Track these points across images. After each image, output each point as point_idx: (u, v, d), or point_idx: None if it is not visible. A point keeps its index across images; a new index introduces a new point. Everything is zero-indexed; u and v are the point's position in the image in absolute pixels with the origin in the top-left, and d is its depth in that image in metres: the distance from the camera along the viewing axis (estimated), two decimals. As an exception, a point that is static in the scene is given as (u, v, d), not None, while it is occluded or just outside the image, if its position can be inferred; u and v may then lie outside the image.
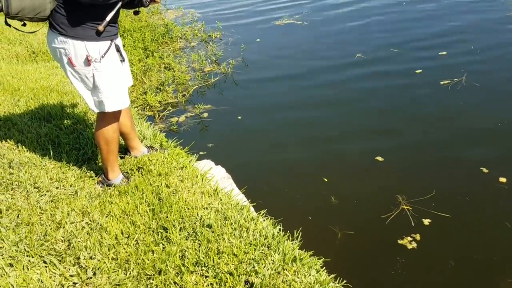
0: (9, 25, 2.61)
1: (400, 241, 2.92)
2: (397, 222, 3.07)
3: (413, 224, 3.05)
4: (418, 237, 2.94)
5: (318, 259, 2.39)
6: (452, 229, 3.00)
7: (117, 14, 2.59)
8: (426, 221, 3.07)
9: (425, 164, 3.73)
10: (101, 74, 2.60)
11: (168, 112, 5.15)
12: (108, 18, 2.50)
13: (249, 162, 4.03)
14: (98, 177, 3.03)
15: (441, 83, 4.95)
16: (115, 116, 2.78)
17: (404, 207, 3.20)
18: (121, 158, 3.23)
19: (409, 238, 2.93)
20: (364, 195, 3.40)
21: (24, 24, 2.62)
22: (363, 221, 3.17)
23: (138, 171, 3.08)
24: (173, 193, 2.81)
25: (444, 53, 5.72)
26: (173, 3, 9.48)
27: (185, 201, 2.71)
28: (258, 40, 7.12)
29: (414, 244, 2.90)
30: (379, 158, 3.79)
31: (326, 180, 3.62)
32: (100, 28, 2.49)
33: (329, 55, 6.23)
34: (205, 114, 4.99)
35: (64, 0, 2.45)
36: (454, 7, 7.51)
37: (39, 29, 2.81)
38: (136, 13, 2.88)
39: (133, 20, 8.05)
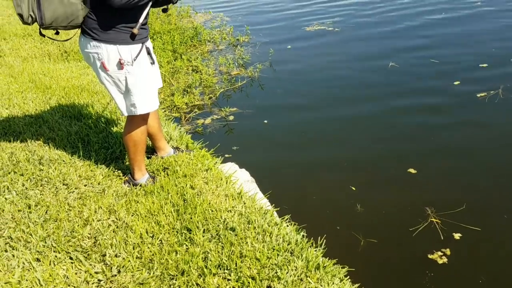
0: (44, 35, 2.68)
1: (430, 256, 2.84)
2: (425, 235, 2.99)
3: (442, 238, 2.97)
4: (448, 251, 2.86)
5: (342, 267, 2.35)
6: (484, 244, 2.91)
7: (147, 16, 2.63)
8: (457, 235, 2.99)
9: (456, 176, 3.63)
10: (133, 77, 2.64)
11: (194, 114, 5.19)
12: (141, 19, 2.54)
13: (274, 166, 4.01)
14: (125, 177, 3.07)
15: (478, 95, 4.83)
16: (143, 118, 2.82)
17: (433, 219, 3.12)
18: (148, 158, 3.27)
19: (439, 253, 2.85)
20: (392, 206, 3.33)
21: (57, 33, 2.70)
22: (390, 232, 3.11)
23: (164, 171, 3.11)
24: (198, 194, 2.82)
25: (485, 65, 5.56)
26: (202, 7, 9.57)
27: (209, 203, 2.72)
28: (289, 47, 7.07)
29: (445, 259, 2.81)
30: (412, 170, 3.70)
31: (354, 188, 3.57)
32: (135, 30, 2.54)
33: (361, 64, 6.13)
34: (231, 117, 5.01)
35: (96, 5, 2.49)
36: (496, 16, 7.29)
37: (73, 36, 2.86)
38: (164, 10, 2.90)
39: (163, 23, 8.16)
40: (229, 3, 10.01)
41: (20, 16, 2.47)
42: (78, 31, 2.68)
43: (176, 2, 2.75)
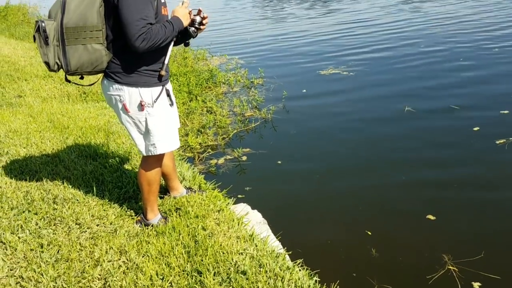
0: (69, 81, 2.78)
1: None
2: (442, 283, 2.89)
3: (460, 287, 2.87)
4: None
5: (355, 314, 2.28)
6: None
7: (168, 58, 2.71)
8: (476, 284, 2.88)
9: (475, 223, 3.53)
10: (153, 118, 2.70)
11: (207, 154, 5.22)
12: (166, 61, 2.63)
13: (287, 208, 3.98)
14: (137, 216, 3.07)
15: (497, 142, 4.76)
16: (159, 158, 2.86)
17: (451, 267, 3.03)
18: (161, 198, 3.27)
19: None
20: (408, 252, 3.24)
21: (82, 77, 2.78)
22: (405, 278, 3.02)
23: (176, 212, 3.11)
24: (209, 236, 2.80)
25: (506, 111, 5.48)
26: (218, 51, 9.82)
27: (221, 245, 2.69)
28: (304, 90, 7.11)
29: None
30: (430, 217, 3.63)
31: (369, 233, 3.50)
32: (162, 72, 2.63)
33: (376, 108, 6.12)
34: (244, 158, 5.03)
35: (119, 51, 2.58)
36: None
37: (97, 81, 2.92)
38: (186, 44, 2.97)
39: (179, 65, 8.37)
40: (244, 47, 10.26)
41: (47, 64, 2.57)
42: (101, 74, 2.77)
43: (195, 36, 2.82)
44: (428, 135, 5.14)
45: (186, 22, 2.71)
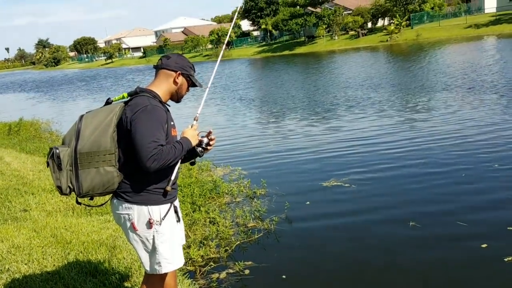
0: (80, 203, 2.86)
1: None
2: None
3: None
4: None
5: None
6: None
7: (177, 175, 2.82)
8: None
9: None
10: (160, 236, 2.73)
11: (209, 267, 5.14)
12: (173, 176, 2.74)
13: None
14: None
15: (506, 259, 4.67)
16: (162, 277, 2.84)
17: None
18: (160, 318, 3.17)
19: None
20: None
21: (92, 198, 2.81)
22: None
23: (175, 333, 3.00)
24: None
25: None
26: (221, 161, 10.10)
27: None
28: (307, 203, 7.07)
29: None
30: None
31: None
32: (168, 188, 2.72)
33: (379, 221, 6.05)
34: (247, 271, 4.94)
35: (130, 172, 2.69)
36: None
37: (107, 201, 2.96)
38: (192, 163, 3.11)
39: (184, 177, 8.57)
40: (247, 157, 10.55)
41: (59, 188, 2.62)
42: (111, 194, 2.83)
43: (202, 156, 2.96)
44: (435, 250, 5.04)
45: (194, 142, 2.87)
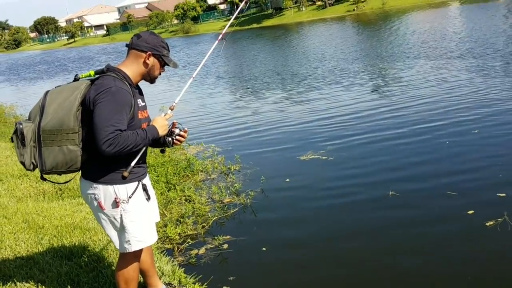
0: (45, 179, 2.82)
1: None
2: None
3: None
4: None
5: None
6: None
7: (144, 155, 2.78)
8: None
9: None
10: (128, 215, 2.72)
11: (187, 244, 5.14)
12: (132, 164, 2.69)
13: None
14: (115, 318, 2.95)
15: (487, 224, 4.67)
16: (136, 255, 2.83)
17: None
18: (139, 296, 3.17)
19: None
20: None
21: (60, 174, 2.81)
22: None
23: (156, 310, 3.01)
24: (191, 334, 2.70)
25: (503, 194, 5.35)
26: (194, 139, 10.01)
27: None
28: (283, 176, 7.05)
29: None
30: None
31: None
32: (125, 173, 2.68)
33: (358, 192, 6.06)
34: (225, 246, 4.97)
35: (94, 152, 2.66)
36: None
37: (72, 179, 2.97)
38: (162, 151, 3.09)
39: (157, 156, 8.47)
40: (220, 134, 10.49)
41: (23, 163, 2.63)
42: (79, 173, 2.81)
43: (171, 147, 2.92)
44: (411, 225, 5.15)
45: (162, 132, 2.81)
